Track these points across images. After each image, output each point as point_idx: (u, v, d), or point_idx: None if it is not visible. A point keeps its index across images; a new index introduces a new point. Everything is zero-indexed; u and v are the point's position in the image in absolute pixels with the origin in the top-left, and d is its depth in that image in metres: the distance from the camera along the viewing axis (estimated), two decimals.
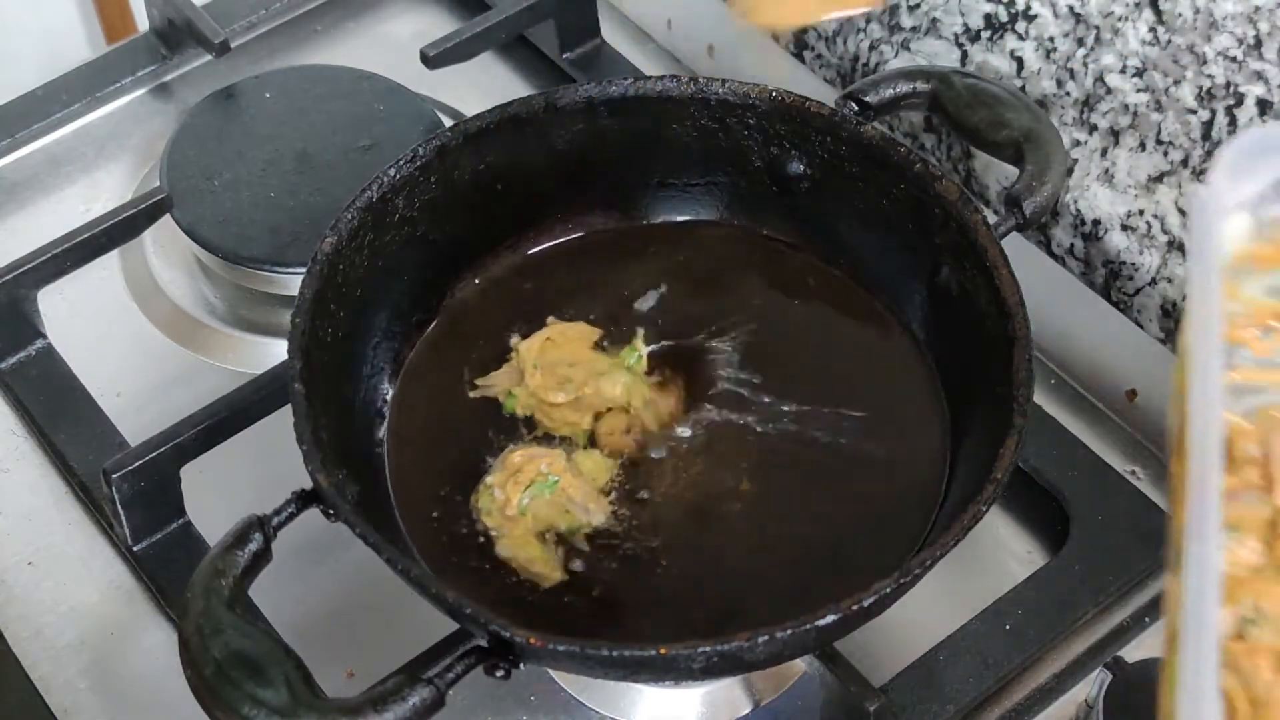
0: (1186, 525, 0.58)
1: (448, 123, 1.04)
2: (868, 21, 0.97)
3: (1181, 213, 0.85)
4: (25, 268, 0.92)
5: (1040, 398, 0.91)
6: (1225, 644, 0.66)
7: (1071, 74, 0.89)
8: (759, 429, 0.80)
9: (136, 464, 0.82)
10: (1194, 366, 0.61)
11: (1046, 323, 0.91)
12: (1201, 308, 0.62)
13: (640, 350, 0.83)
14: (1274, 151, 0.67)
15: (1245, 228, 0.67)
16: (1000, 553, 0.86)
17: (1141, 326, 0.89)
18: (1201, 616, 0.55)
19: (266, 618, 0.78)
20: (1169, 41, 0.84)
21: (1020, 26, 0.91)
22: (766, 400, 0.81)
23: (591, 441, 0.80)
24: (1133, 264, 0.88)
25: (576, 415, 0.81)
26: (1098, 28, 0.87)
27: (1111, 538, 0.84)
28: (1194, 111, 0.84)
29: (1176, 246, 0.85)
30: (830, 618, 0.65)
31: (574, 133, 0.86)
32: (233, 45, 1.07)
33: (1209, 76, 0.83)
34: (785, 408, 0.81)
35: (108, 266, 0.99)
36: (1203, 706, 0.53)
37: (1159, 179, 0.86)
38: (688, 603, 0.75)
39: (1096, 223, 0.89)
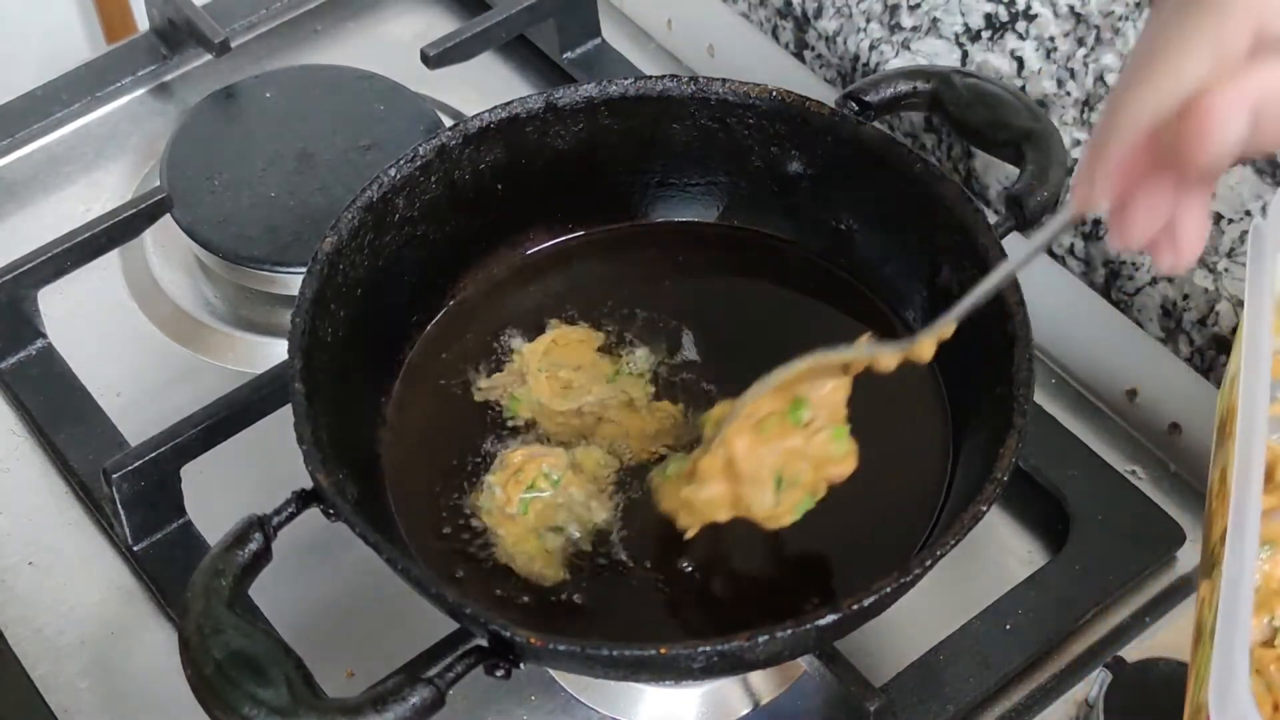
0: (1227, 535, 0.59)
1: (448, 123, 1.04)
2: (868, 21, 0.97)
3: None
4: (25, 268, 0.92)
5: (1040, 398, 0.91)
6: (1254, 650, 0.67)
7: (1072, 74, 0.89)
8: None
9: (136, 464, 0.82)
10: (1244, 393, 0.62)
11: (1046, 323, 0.91)
12: (1254, 339, 0.63)
13: (644, 355, 0.83)
14: None
15: None
16: (1000, 553, 0.86)
17: (1141, 326, 0.89)
18: (1236, 617, 0.56)
19: (266, 618, 0.78)
20: None
21: (1021, 26, 0.91)
22: None
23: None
24: (1133, 264, 0.88)
25: (580, 420, 0.81)
26: (1098, 27, 0.87)
27: (1111, 538, 0.84)
28: None
29: None
30: (830, 618, 0.65)
31: (574, 133, 0.86)
32: (233, 45, 1.07)
33: None
34: None
35: (108, 266, 0.99)
36: (1236, 702, 0.54)
37: None
38: (688, 602, 0.75)
39: (1097, 223, 0.89)
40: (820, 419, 0.69)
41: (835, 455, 0.70)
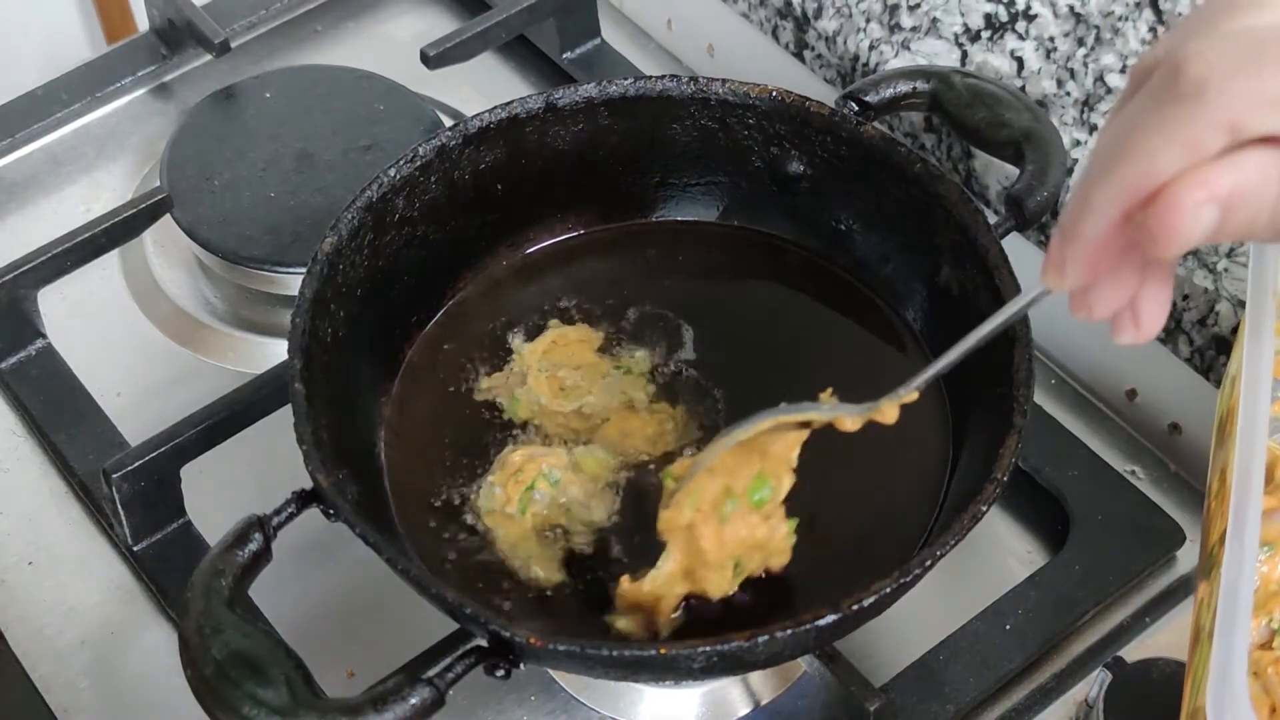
0: (1226, 536, 0.59)
1: (448, 123, 1.04)
2: (868, 21, 0.97)
3: None
4: (25, 268, 0.92)
5: (1040, 398, 0.91)
6: (1252, 652, 0.67)
7: (1072, 74, 0.89)
8: None
9: (136, 464, 0.82)
10: (1244, 393, 0.62)
11: (1046, 323, 0.91)
12: (1255, 339, 0.63)
13: (643, 355, 0.83)
14: None
15: None
16: (1000, 553, 0.86)
17: None
18: (1234, 619, 0.56)
19: (266, 618, 0.78)
20: None
21: (1020, 26, 0.91)
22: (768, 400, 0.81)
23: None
24: None
25: (579, 421, 0.81)
26: (1098, 27, 0.87)
27: (1111, 538, 0.84)
28: None
29: None
30: (830, 618, 0.65)
31: (574, 133, 0.86)
32: (233, 45, 1.07)
33: None
34: None
35: (108, 266, 0.99)
36: (1233, 705, 0.54)
37: None
38: (687, 602, 0.75)
39: None
40: (774, 506, 0.71)
41: (785, 548, 0.72)
